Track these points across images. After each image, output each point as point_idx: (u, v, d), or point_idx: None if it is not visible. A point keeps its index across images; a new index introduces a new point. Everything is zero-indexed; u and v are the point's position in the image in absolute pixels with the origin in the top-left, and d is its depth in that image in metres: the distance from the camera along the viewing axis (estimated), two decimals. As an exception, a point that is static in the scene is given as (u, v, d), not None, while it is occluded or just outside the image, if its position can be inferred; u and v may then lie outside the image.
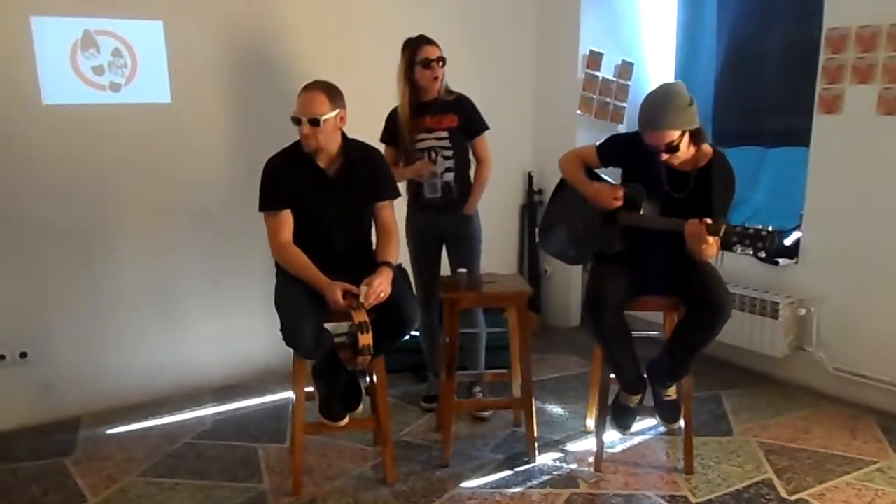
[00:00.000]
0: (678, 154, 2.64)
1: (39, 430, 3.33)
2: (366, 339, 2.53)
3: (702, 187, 2.70)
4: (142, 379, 3.61)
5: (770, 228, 2.47)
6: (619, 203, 2.82)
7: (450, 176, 3.30)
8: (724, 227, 2.50)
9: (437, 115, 3.27)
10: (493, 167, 3.40)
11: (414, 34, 3.27)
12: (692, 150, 2.68)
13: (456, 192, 3.32)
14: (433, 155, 3.27)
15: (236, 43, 3.63)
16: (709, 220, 2.52)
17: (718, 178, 2.70)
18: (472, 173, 3.40)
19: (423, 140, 3.27)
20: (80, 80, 3.27)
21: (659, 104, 2.61)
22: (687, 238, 2.58)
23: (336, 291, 2.60)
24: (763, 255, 2.50)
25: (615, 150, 2.93)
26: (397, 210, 2.96)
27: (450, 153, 3.28)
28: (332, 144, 2.75)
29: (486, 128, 3.36)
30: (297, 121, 2.68)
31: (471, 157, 3.38)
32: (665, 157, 2.63)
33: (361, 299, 2.57)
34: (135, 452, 3.15)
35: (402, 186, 3.19)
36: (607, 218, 2.87)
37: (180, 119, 3.55)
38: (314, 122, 2.66)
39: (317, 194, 2.75)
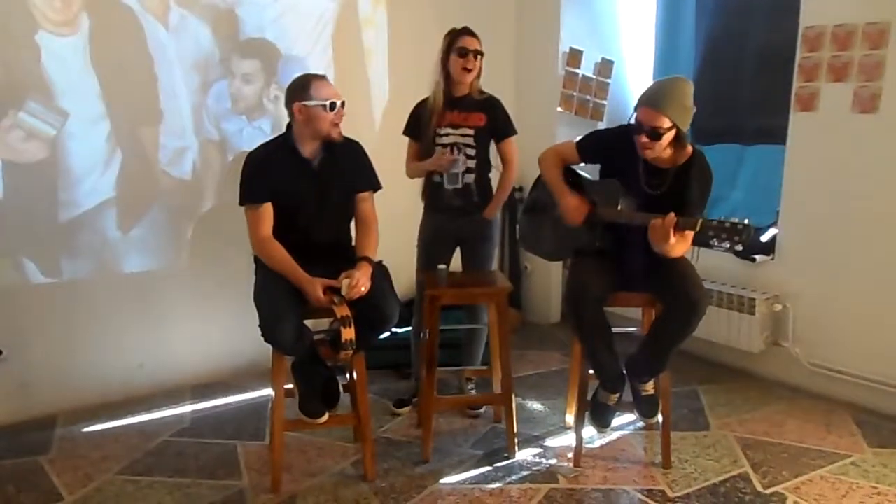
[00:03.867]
0: (656, 145, 2.63)
1: (15, 429, 3.28)
2: (349, 333, 2.53)
3: (679, 184, 2.71)
4: (120, 376, 3.58)
5: (746, 221, 2.48)
6: (580, 222, 2.84)
7: (470, 177, 3.23)
8: (700, 222, 2.52)
9: (464, 111, 3.21)
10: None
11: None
12: (669, 150, 2.68)
13: (476, 195, 3.27)
14: (455, 152, 3.20)
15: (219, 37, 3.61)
16: (674, 216, 2.54)
17: (696, 176, 2.71)
18: (491, 178, 3.37)
19: (447, 135, 3.20)
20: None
21: (668, 89, 2.62)
22: (649, 231, 2.59)
23: (317, 287, 2.59)
24: (740, 248, 2.51)
25: (594, 146, 2.94)
26: (413, 209, 2.90)
27: (472, 152, 3.22)
28: None
29: (515, 132, 3.31)
30: (332, 106, 2.69)
31: (492, 161, 3.35)
32: (644, 140, 2.61)
33: (343, 292, 2.56)
34: (112, 450, 3.12)
35: (417, 184, 3.27)
36: (586, 214, 2.88)
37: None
38: (343, 105, 2.73)
39: (299, 184, 2.75)
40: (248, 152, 2.81)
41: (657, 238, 2.58)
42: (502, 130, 3.28)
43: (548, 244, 3.11)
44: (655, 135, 2.60)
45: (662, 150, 2.66)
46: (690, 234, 2.58)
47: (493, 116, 3.24)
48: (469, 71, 3.16)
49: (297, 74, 2.82)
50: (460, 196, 3.25)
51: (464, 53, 3.14)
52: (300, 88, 2.71)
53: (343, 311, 2.55)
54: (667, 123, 2.59)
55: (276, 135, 2.94)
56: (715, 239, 2.52)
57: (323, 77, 2.76)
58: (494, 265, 3.43)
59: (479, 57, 3.18)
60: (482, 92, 3.27)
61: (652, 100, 2.61)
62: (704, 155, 2.78)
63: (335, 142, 2.76)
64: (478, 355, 3.53)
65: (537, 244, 3.18)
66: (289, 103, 2.74)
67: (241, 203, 2.75)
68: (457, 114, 3.21)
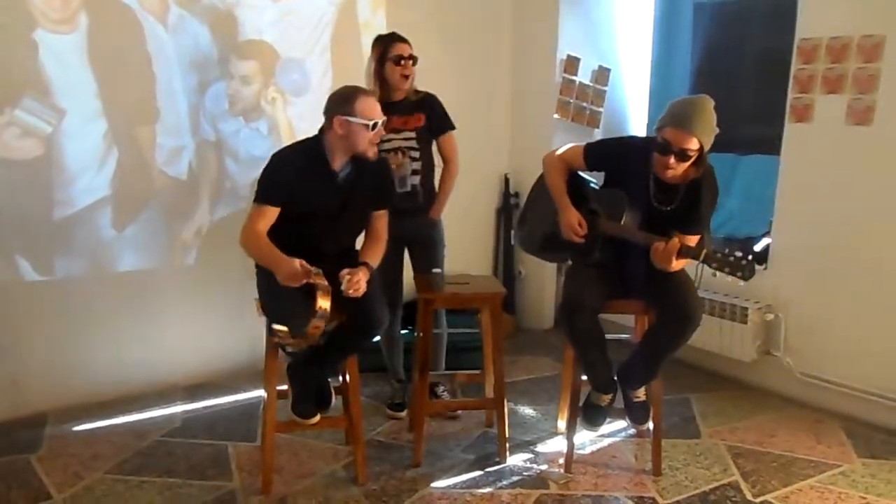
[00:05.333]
0: (680, 166, 2.60)
1: (5, 426, 3.27)
2: (326, 302, 2.45)
3: (689, 201, 2.70)
4: (111, 375, 3.57)
5: (749, 257, 2.49)
6: (579, 240, 2.83)
7: (416, 179, 3.24)
8: (703, 253, 2.53)
9: (404, 115, 3.22)
10: (468, 169, 3.37)
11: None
12: (685, 168, 2.64)
13: (422, 196, 3.27)
14: (401, 155, 3.22)
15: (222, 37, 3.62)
16: (686, 242, 2.57)
17: (706, 194, 2.69)
18: (436, 178, 3.36)
19: (389, 140, 3.19)
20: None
21: (698, 110, 2.57)
22: (652, 252, 2.61)
23: (294, 262, 2.51)
24: (742, 283, 2.54)
25: (603, 155, 2.89)
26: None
27: (417, 154, 3.24)
28: None
29: (453, 127, 3.33)
30: (374, 126, 2.66)
31: (436, 161, 3.35)
32: (671, 161, 2.58)
33: (343, 287, 2.53)
34: (102, 449, 3.11)
35: None
36: (587, 224, 2.86)
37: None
38: (383, 125, 2.72)
39: (321, 196, 2.72)
40: (276, 152, 2.78)
41: (659, 260, 2.60)
42: (440, 126, 3.30)
43: (545, 248, 3.10)
44: (684, 157, 2.58)
45: (683, 168, 2.63)
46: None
47: (431, 114, 3.27)
48: (407, 77, 3.20)
49: (342, 85, 2.80)
50: (407, 198, 3.24)
51: (399, 61, 3.17)
52: (345, 101, 2.66)
53: (322, 280, 2.48)
54: (696, 146, 2.56)
55: (305, 138, 2.88)
56: (716, 271, 2.53)
57: (370, 93, 2.74)
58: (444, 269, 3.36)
59: (414, 62, 3.21)
60: (417, 91, 3.29)
61: (682, 121, 2.56)
62: (714, 170, 2.74)
63: (367, 159, 2.74)
64: (441, 360, 3.53)
65: (533, 246, 3.16)
66: (330, 113, 2.68)
67: (256, 200, 2.70)
68: (396, 118, 3.20)
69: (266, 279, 2.70)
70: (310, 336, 2.48)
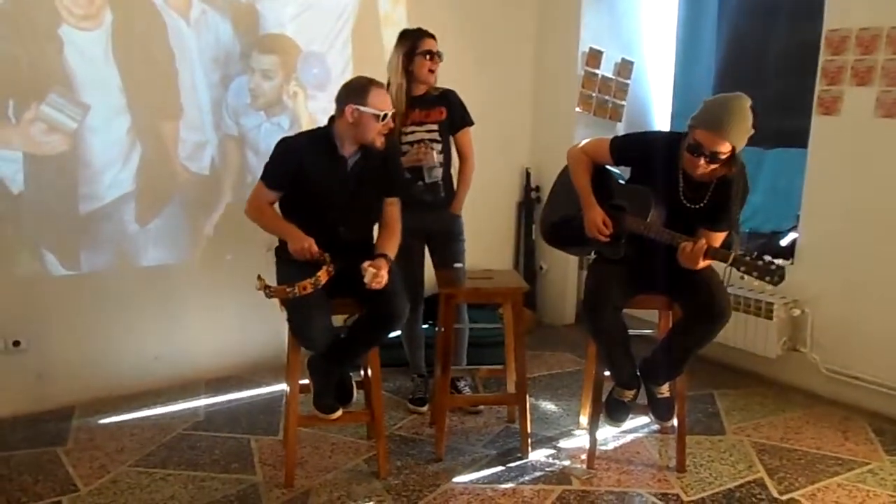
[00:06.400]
0: (709, 167, 2.55)
1: (32, 419, 3.31)
2: (324, 277, 2.55)
3: (718, 199, 2.66)
4: (136, 369, 3.60)
5: (779, 261, 2.45)
6: (604, 239, 2.80)
7: (439, 172, 3.24)
8: (732, 256, 2.50)
9: (426, 108, 3.25)
10: (489, 163, 3.35)
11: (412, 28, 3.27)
12: (715, 167, 2.58)
13: (443, 190, 3.27)
14: (425, 147, 3.20)
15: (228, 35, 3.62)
16: (713, 241, 2.55)
17: (737, 192, 2.65)
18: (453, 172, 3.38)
19: (412, 133, 3.22)
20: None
21: (733, 113, 2.50)
22: (679, 253, 2.58)
23: (312, 241, 2.63)
24: (769, 287, 2.49)
25: (631, 150, 2.83)
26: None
27: (440, 147, 3.25)
28: None
29: (472, 123, 3.34)
30: (384, 117, 2.70)
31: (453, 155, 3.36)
32: (701, 162, 2.53)
33: (366, 279, 2.57)
34: (127, 442, 3.14)
35: None
36: (613, 221, 2.83)
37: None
38: (393, 117, 2.76)
39: (331, 178, 2.76)
40: (284, 137, 2.84)
41: (685, 260, 2.57)
42: (459, 121, 3.32)
43: (570, 242, 3.07)
44: (715, 159, 2.53)
45: (712, 167, 2.57)
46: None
47: (451, 109, 3.28)
48: (433, 72, 3.22)
49: (357, 75, 2.86)
50: (430, 191, 3.23)
51: (430, 56, 3.19)
52: (358, 91, 2.71)
53: (330, 265, 2.57)
54: (728, 148, 2.51)
55: (317, 126, 2.96)
56: (745, 275, 2.49)
57: (382, 85, 2.79)
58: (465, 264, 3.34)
59: (440, 58, 3.24)
60: (436, 87, 3.30)
61: (715, 124, 2.49)
62: (745, 168, 2.69)
63: (375, 149, 2.77)
64: (462, 355, 3.52)
65: (558, 239, 3.13)
66: (342, 101, 2.72)
67: (262, 179, 2.79)
68: (418, 111, 3.23)
69: (286, 277, 2.73)
70: (293, 288, 2.52)
